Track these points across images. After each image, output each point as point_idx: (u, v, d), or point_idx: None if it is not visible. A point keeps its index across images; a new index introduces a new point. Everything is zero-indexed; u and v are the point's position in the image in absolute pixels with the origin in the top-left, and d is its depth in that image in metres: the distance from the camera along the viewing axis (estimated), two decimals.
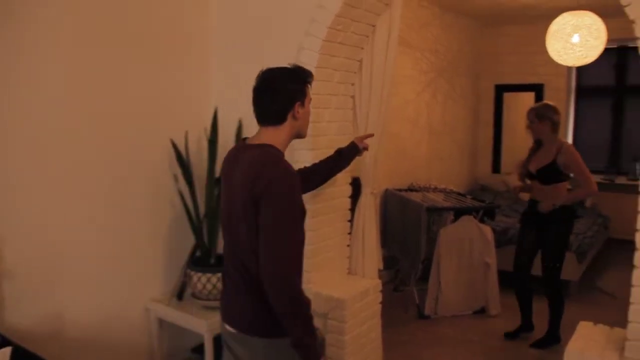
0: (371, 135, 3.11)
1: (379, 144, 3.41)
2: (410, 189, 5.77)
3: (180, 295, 3.50)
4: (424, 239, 4.86)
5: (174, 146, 3.35)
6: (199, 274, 3.29)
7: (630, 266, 2.48)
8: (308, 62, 3.08)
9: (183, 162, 3.36)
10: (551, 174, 4.14)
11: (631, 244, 2.49)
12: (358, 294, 3.32)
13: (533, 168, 4.24)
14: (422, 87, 6.24)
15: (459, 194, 5.68)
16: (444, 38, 6.64)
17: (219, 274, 3.23)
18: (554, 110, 4.18)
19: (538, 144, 4.30)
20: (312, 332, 2.00)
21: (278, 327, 2.00)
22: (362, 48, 3.33)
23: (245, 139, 2.23)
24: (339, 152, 2.91)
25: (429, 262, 4.95)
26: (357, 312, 3.31)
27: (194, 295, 3.38)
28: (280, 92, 2.09)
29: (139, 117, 3.29)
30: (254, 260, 2.01)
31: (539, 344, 4.33)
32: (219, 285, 3.25)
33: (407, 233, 5.11)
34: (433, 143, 6.63)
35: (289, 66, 2.18)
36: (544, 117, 4.14)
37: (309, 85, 2.16)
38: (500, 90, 7.86)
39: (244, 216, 2.02)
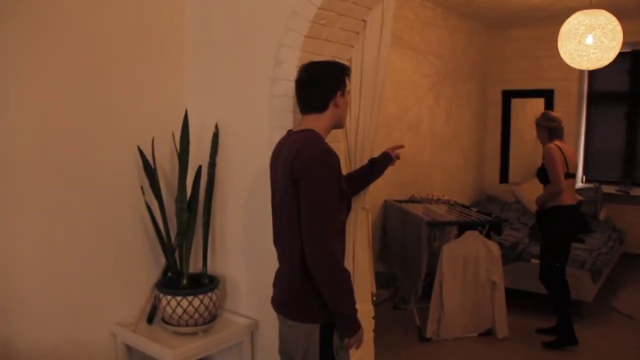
0: (402, 147, 3.16)
1: (371, 154, 3.05)
2: (412, 200, 5.40)
3: (150, 318, 3.16)
4: (425, 255, 4.49)
5: (141, 154, 3.01)
6: (169, 297, 2.95)
7: None
8: (288, 61, 2.73)
9: (151, 173, 3.02)
10: (542, 176, 4.34)
11: None
12: None
13: None
14: (424, 92, 5.88)
15: (464, 206, 5.30)
16: (448, 40, 6.29)
17: (191, 297, 2.93)
18: (547, 117, 4.38)
19: None
20: (353, 303, 2.17)
21: (303, 314, 2.23)
22: (352, 46, 2.97)
23: (290, 130, 2.41)
24: (372, 162, 3.01)
25: (431, 279, 4.58)
26: None
27: (163, 320, 3.04)
28: (323, 81, 2.27)
29: (102, 120, 2.94)
30: (293, 242, 2.17)
31: (553, 345, 4.36)
32: (190, 309, 2.93)
33: (408, 248, 4.75)
34: (436, 151, 6.26)
35: (327, 60, 2.41)
36: (540, 126, 4.39)
37: (348, 78, 2.34)
38: (508, 96, 7.49)
39: (286, 200, 2.19)
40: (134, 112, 3.08)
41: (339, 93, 2.28)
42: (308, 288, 2.17)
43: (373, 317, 3.22)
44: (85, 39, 2.82)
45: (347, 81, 2.34)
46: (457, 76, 6.61)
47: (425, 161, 6.05)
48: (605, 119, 7.31)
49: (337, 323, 2.20)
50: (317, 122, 2.29)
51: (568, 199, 4.24)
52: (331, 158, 2.13)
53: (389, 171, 5.32)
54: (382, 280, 4.43)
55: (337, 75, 2.30)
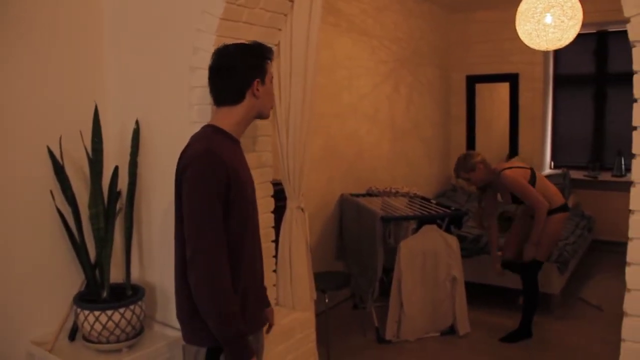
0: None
1: (305, 147, 2.77)
2: (369, 194, 5.13)
3: (72, 335, 2.85)
4: (381, 252, 4.23)
5: (51, 155, 2.70)
6: (86, 312, 2.65)
7: (617, 272, 1.94)
8: (205, 47, 2.44)
9: (61, 175, 2.71)
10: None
11: (617, 245, 1.98)
12: (280, 333, 2.69)
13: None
14: (381, 79, 5.60)
15: (424, 198, 5.04)
16: (405, 25, 6.00)
17: (110, 312, 2.63)
18: (473, 155, 4.28)
19: (483, 189, 4.37)
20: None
21: (189, 334, 2.04)
22: (279, 29, 2.69)
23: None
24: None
25: (390, 277, 4.33)
26: (280, 355, 2.67)
27: (84, 338, 2.74)
28: (237, 68, 2.00)
29: (6, 119, 2.63)
30: (177, 252, 2.01)
31: (510, 338, 4.24)
32: (110, 325, 2.63)
33: (363, 245, 4.49)
34: (397, 141, 5.99)
35: (246, 42, 2.10)
36: (473, 167, 4.20)
37: (270, 62, 2.08)
38: (472, 81, 7.24)
39: (175, 202, 2.00)
40: (43, 106, 2.76)
41: (256, 81, 2.01)
42: (193, 305, 1.94)
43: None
44: None
45: (268, 66, 2.07)
46: (417, 62, 6.34)
47: (385, 152, 5.78)
48: (572, 103, 7.10)
49: (224, 349, 1.92)
50: (226, 115, 2.05)
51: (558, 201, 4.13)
52: (209, 160, 1.87)
53: (346, 163, 5.12)
54: (340, 279, 4.18)
55: (255, 60, 2.03)
